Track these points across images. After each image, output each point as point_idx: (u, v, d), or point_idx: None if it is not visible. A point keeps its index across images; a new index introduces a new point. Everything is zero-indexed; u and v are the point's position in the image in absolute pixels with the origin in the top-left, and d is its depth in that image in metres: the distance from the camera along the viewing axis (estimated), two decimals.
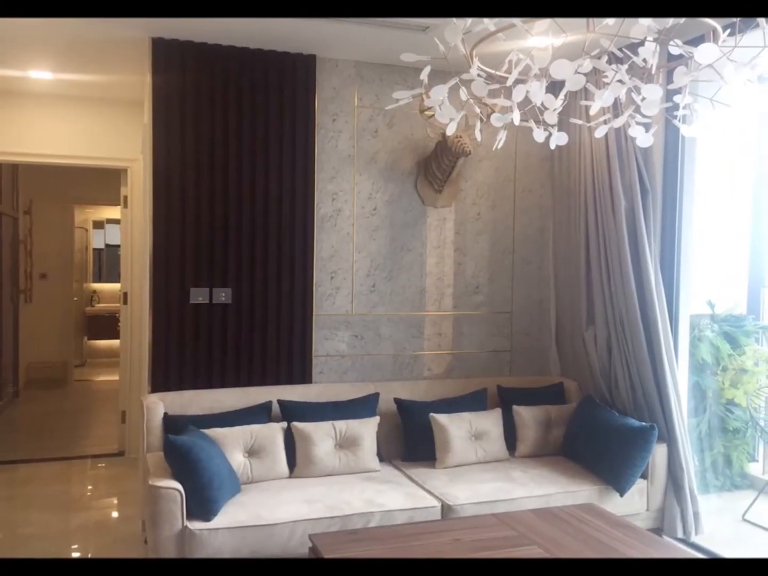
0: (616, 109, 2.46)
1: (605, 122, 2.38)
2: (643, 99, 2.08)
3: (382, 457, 3.83)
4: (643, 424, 3.66)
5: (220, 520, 3.03)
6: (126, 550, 3.66)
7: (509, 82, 2.11)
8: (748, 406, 4.51)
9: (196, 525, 2.98)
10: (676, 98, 2.18)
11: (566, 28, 2.05)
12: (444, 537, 2.72)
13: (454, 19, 2.10)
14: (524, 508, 3.24)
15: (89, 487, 4.84)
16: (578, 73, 1.97)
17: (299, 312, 4.06)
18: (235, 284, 3.94)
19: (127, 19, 3.45)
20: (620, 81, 2.04)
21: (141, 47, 3.83)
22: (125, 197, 5.50)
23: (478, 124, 2.55)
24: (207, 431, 3.42)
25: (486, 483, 3.54)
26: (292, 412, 3.72)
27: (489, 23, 2.07)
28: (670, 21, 1.98)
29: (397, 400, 3.98)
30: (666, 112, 2.47)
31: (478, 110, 2.50)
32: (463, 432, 3.83)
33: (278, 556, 3.05)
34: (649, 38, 1.99)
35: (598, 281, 4.07)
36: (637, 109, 2.20)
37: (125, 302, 5.51)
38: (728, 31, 2.03)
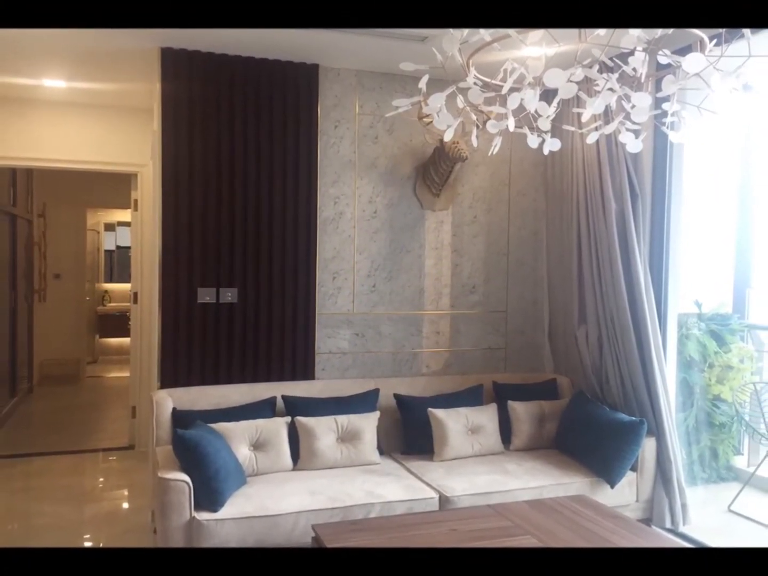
0: (607, 116, 2.50)
1: (596, 129, 2.44)
2: (633, 106, 2.13)
3: (382, 450, 3.87)
4: (633, 418, 3.71)
5: (227, 511, 3.07)
6: (136, 540, 3.70)
7: (504, 90, 2.17)
8: (733, 402, 4.55)
9: (203, 515, 3.02)
10: (665, 106, 2.25)
11: (559, 39, 2.09)
12: (441, 527, 2.75)
13: (452, 30, 2.15)
14: (519, 499, 3.27)
15: (101, 480, 4.89)
16: (571, 81, 2.02)
17: (302, 311, 4.11)
18: (241, 284, 4.00)
19: (138, 30, 3.51)
20: (611, 89, 2.09)
21: (150, 57, 3.90)
22: (135, 201, 5.55)
23: (475, 131, 2.61)
24: (214, 426, 3.46)
25: (482, 475, 3.58)
26: (295, 407, 3.77)
27: (485, 34, 2.12)
28: (659, 32, 2.04)
29: (396, 396, 4.03)
30: (655, 119, 2.52)
31: (474, 117, 2.55)
32: (460, 426, 3.87)
33: (282, 546, 3.09)
34: (639, 48, 2.05)
35: (589, 282, 4.12)
36: (627, 116, 2.25)
37: (135, 302, 5.56)
38: (715, 41, 2.09)
